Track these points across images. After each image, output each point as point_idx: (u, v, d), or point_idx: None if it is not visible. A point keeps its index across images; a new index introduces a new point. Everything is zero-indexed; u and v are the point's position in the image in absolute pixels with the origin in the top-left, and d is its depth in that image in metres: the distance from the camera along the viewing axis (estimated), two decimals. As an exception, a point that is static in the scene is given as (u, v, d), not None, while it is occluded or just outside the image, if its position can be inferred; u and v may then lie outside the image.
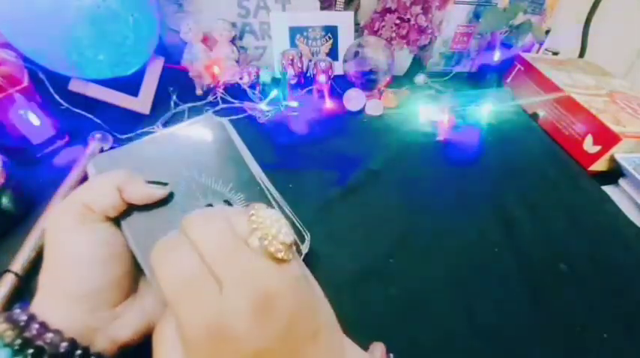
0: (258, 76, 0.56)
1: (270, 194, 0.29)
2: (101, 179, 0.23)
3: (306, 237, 0.30)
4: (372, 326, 0.29)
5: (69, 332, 0.19)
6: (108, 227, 0.22)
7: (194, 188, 0.26)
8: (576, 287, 0.34)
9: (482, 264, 0.35)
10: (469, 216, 0.40)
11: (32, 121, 0.39)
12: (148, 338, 0.21)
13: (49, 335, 0.18)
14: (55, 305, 0.20)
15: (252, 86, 0.56)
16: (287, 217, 0.28)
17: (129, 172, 0.23)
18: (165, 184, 0.25)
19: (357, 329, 0.25)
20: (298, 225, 0.30)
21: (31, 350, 0.18)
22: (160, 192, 0.24)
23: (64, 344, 0.19)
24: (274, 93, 0.54)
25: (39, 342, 0.18)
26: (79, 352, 0.19)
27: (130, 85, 0.50)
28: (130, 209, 0.23)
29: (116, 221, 0.23)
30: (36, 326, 0.18)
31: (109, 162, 0.25)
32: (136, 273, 0.23)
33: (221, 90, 0.54)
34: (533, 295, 0.33)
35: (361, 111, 0.57)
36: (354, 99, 0.56)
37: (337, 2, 0.62)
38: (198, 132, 0.29)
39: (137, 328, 0.22)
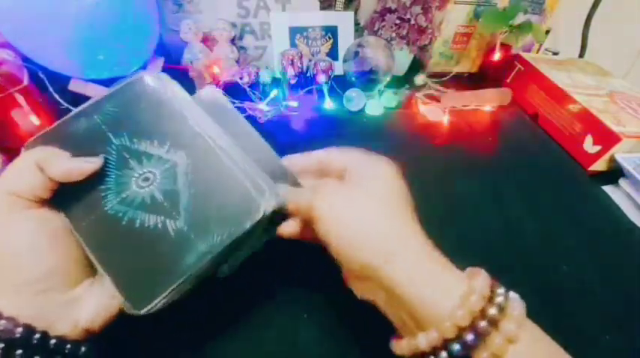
0: (258, 76, 0.56)
1: (217, 145, 0.26)
2: (18, 161, 0.22)
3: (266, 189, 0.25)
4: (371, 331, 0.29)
5: (23, 318, 0.19)
6: (44, 211, 0.22)
7: (127, 156, 0.25)
8: (577, 287, 0.34)
9: (482, 265, 0.35)
10: (469, 217, 0.40)
11: (32, 121, 0.40)
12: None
13: (1, 323, 0.18)
14: (1, 294, 0.19)
15: (252, 86, 0.56)
16: (244, 172, 0.25)
17: (48, 148, 0.23)
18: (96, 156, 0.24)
19: (355, 333, 0.25)
20: (251, 183, 0.25)
21: None
22: (87, 165, 0.23)
23: (19, 330, 0.18)
24: (274, 93, 0.54)
25: None
26: (37, 336, 0.19)
27: (130, 85, 0.50)
28: (62, 189, 0.22)
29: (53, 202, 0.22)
30: None
31: (42, 144, 0.24)
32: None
33: (221, 90, 0.54)
34: (535, 296, 0.33)
35: (361, 111, 0.57)
36: (354, 99, 0.56)
37: (337, 2, 0.62)
38: (122, 95, 0.27)
39: (100, 311, 0.22)
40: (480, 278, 0.20)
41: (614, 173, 0.47)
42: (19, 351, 0.18)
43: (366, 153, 0.27)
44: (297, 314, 0.29)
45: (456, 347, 0.18)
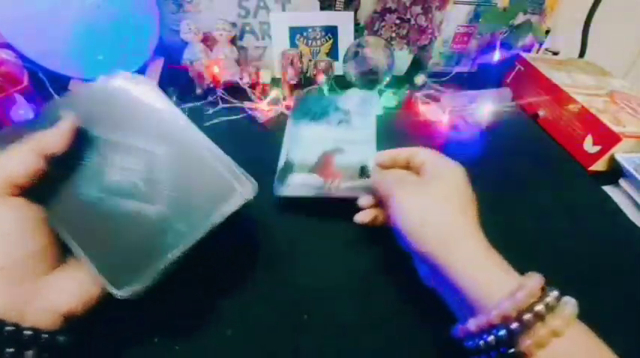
0: (258, 76, 0.56)
1: (195, 138, 0.27)
2: (15, 149, 0.23)
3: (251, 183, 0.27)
4: (373, 329, 0.29)
5: None
6: (22, 201, 0.22)
7: (104, 147, 0.26)
8: (577, 287, 0.34)
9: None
10: (469, 216, 0.40)
11: (32, 121, 0.39)
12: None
13: None
14: None
15: (252, 86, 0.56)
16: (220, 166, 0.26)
17: (35, 135, 0.24)
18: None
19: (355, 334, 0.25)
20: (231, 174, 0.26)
21: None
22: (67, 121, 0.25)
23: None
24: (274, 93, 0.54)
25: None
26: (8, 328, 0.18)
27: (130, 85, 0.50)
28: (43, 185, 0.23)
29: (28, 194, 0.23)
30: None
31: (7, 138, 0.24)
32: (61, 244, 0.23)
33: (221, 91, 0.54)
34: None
35: (361, 111, 0.57)
36: (354, 99, 0.56)
37: (337, 2, 0.62)
38: (98, 94, 0.28)
39: (77, 294, 0.22)
40: (532, 279, 0.22)
41: (614, 173, 0.47)
42: None
43: (442, 155, 0.31)
44: (297, 316, 0.29)
45: (502, 332, 0.20)
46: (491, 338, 0.21)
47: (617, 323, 0.31)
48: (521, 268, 0.36)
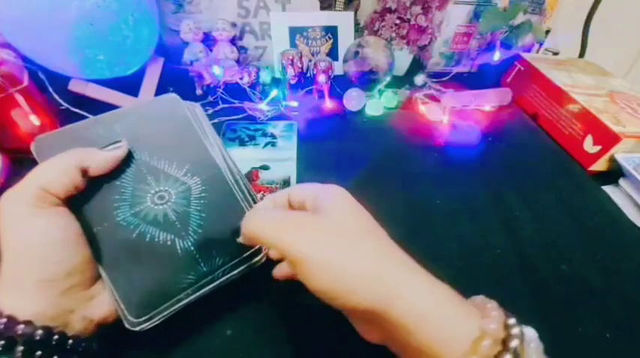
0: (258, 76, 0.56)
1: (230, 178, 0.28)
2: (57, 160, 0.22)
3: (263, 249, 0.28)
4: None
5: (42, 317, 0.19)
6: (65, 211, 0.22)
7: (144, 171, 0.26)
8: (577, 287, 0.34)
9: (483, 265, 0.35)
10: (470, 217, 0.40)
11: (32, 121, 0.40)
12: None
13: (20, 327, 0.18)
14: (23, 294, 0.20)
15: (252, 86, 0.56)
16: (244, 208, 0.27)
17: (82, 149, 0.24)
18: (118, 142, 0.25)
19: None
20: None
21: (1, 342, 0.18)
22: (120, 151, 0.25)
23: (39, 332, 0.19)
24: (274, 93, 0.54)
25: (10, 334, 0.18)
26: (56, 337, 0.19)
27: (130, 85, 0.50)
28: (78, 198, 0.23)
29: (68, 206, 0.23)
30: (3, 320, 0.18)
31: (53, 143, 0.25)
32: None
33: (221, 90, 0.54)
34: (535, 295, 0.33)
35: (361, 111, 0.57)
36: (354, 99, 0.56)
37: (337, 2, 0.62)
38: (150, 113, 0.28)
39: (113, 308, 0.23)
40: (492, 319, 0.18)
41: (614, 173, 0.47)
42: (39, 353, 0.18)
43: (318, 185, 0.25)
44: (297, 316, 0.29)
45: None
46: None
47: (617, 322, 0.31)
48: (522, 267, 0.36)
